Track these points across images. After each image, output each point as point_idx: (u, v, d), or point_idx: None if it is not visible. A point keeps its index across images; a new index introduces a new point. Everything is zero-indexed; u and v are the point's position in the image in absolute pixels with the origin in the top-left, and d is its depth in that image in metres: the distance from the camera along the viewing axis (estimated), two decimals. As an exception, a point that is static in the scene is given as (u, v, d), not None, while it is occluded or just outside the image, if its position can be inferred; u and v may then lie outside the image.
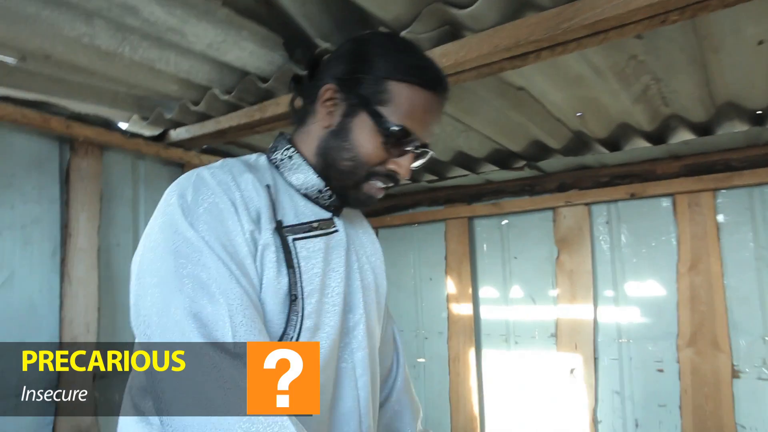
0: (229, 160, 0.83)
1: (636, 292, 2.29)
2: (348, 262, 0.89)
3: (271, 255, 0.76)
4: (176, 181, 0.79)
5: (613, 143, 2.19)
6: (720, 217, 2.11)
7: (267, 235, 0.76)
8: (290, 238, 0.80)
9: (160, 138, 2.13)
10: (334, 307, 0.84)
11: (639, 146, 2.13)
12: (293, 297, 0.77)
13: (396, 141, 0.81)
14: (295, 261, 0.78)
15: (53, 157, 1.85)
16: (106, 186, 1.98)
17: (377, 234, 3.16)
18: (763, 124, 1.92)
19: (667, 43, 1.36)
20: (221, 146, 2.35)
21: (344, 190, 0.86)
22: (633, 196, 2.26)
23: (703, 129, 1.99)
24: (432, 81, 0.82)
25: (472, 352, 2.67)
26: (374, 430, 0.93)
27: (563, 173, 2.45)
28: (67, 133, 1.84)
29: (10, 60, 1.53)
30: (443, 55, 1.27)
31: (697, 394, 2.12)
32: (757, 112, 1.84)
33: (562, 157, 2.27)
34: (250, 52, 1.50)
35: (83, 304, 1.79)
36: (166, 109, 1.97)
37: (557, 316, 2.45)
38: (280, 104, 1.69)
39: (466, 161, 2.50)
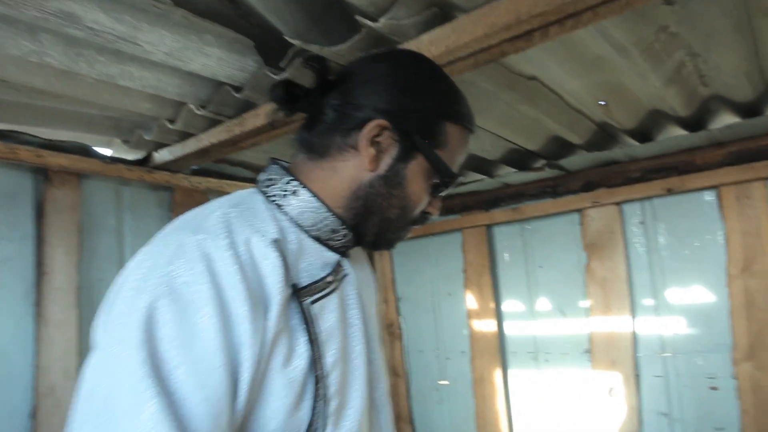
0: (223, 210, 0.66)
1: (680, 299, 2.02)
2: (363, 310, 0.78)
3: (285, 338, 0.63)
4: (145, 267, 0.60)
5: (643, 133, 1.94)
6: (775, 210, 1.84)
7: (281, 315, 0.62)
8: (307, 303, 0.67)
9: (144, 162, 1.98)
10: (360, 372, 0.73)
11: (674, 135, 1.88)
12: (317, 378, 0.65)
13: (444, 185, 0.75)
14: (313, 330, 0.66)
15: (25, 189, 1.71)
16: (87, 217, 1.84)
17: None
18: (822, 99, 1.65)
19: (705, 8, 1.12)
20: (212, 166, 2.19)
21: (379, 236, 0.77)
22: (670, 192, 2.00)
23: (749, 110, 1.73)
24: (473, 120, 0.77)
25: (498, 373, 2.43)
26: None
27: (588, 171, 2.21)
28: (40, 163, 1.70)
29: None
30: (432, 43, 1.06)
31: (762, 414, 1.84)
32: (815, 86, 1.57)
33: (586, 153, 2.03)
34: (217, 58, 1.32)
35: (61, 349, 1.64)
36: (145, 130, 1.82)
37: (591, 329, 2.20)
38: (260, 115, 1.51)
39: (480, 164, 2.28)
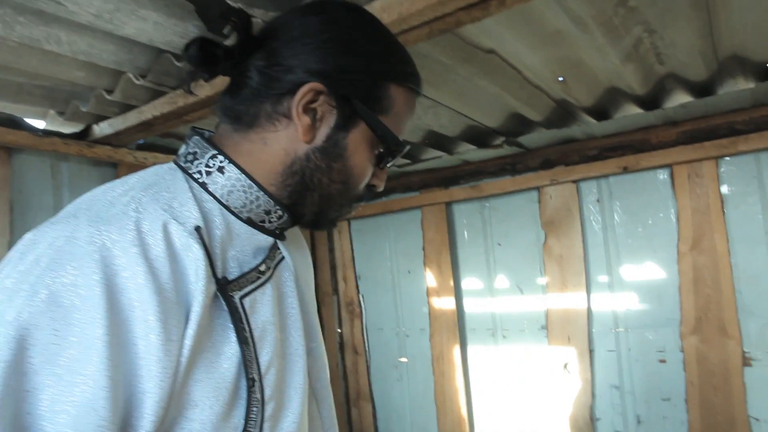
0: (133, 194, 0.56)
1: (633, 276, 2.06)
2: (301, 295, 0.70)
3: (208, 339, 0.55)
4: (27, 262, 0.50)
5: (601, 111, 1.94)
6: (724, 188, 1.88)
7: (202, 313, 0.53)
8: (237, 297, 0.59)
9: (83, 135, 1.85)
10: (299, 367, 0.66)
11: (631, 113, 1.88)
12: (251, 381, 0.57)
13: (390, 155, 0.67)
14: (246, 329, 0.58)
15: (-55, 165, 1.57)
16: (18, 194, 1.70)
17: (350, 226, 2.91)
18: (772, 78, 1.67)
19: (664, -18, 1.10)
20: (158, 140, 2.07)
21: (319, 215, 0.68)
22: (626, 170, 2.02)
23: (703, 89, 1.74)
24: (419, 81, 0.68)
25: (456, 349, 2.44)
26: None
27: (547, 149, 2.20)
28: (-40, 136, 1.56)
29: None
30: (384, 10, 1.00)
31: (705, 385, 1.91)
32: (767, 65, 1.59)
33: (544, 131, 2.01)
34: (153, 22, 1.21)
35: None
36: (81, 101, 1.69)
37: (547, 306, 2.23)
38: (206, 86, 1.41)
39: (440, 141, 2.24)
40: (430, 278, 2.53)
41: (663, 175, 2.00)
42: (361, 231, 2.85)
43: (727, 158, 1.86)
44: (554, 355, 2.21)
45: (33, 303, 0.47)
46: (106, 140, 1.84)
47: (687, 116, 1.86)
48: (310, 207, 0.66)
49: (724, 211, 1.87)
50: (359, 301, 2.86)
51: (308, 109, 0.60)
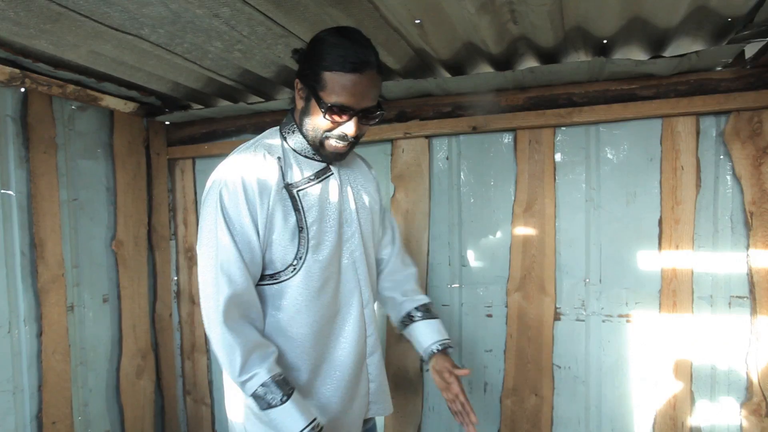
0: (258, 140, 1.31)
1: (472, 235, 2.14)
2: (342, 192, 1.35)
3: (280, 209, 1.21)
4: (219, 169, 1.26)
5: (457, 67, 1.93)
6: (558, 156, 2.00)
7: (276, 197, 1.21)
8: (295, 191, 1.25)
9: None
10: (332, 227, 1.30)
11: (484, 71, 1.89)
12: (300, 228, 1.23)
13: (335, 113, 1.18)
14: (299, 205, 1.24)
15: None
16: None
17: (194, 166, 2.63)
18: (608, 54, 1.77)
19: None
20: None
21: (315, 149, 1.28)
22: (475, 130, 2.05)
23: (550, 57, 1.79)
24: (351, 65, 1.13)
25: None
26: (372, 298, 1.42)
27: (404, 101, 2.15)
28: None
29: None
30: None
31: (521, 337, 2.07)
32: (604, 41, 1.67)
33: (401, 81, 1.95)
34: None
35: None
36: None
37: (391, 260, 2.22)
38: None
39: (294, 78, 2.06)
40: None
41: (508, 138, 2.07)
42: (208, 171, 2.58)
43: (564, 128, 1.97)
44: (393, 308, 2.23)
45: (221, 185, 1.21)
46: None
47: (534, 83, 1.92)
48: (310, 144, 1.29)
49: (555, 178, 2.00)
50: (195, 248, 2.63)
51: (298, 92, 1.26)
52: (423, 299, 1.54)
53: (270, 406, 1.15)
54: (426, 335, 1.46)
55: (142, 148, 2.55)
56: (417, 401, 2.23)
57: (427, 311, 1.51)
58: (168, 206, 2.66)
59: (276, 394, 1.16)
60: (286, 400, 1.16)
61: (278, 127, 1.32)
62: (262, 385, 1.16)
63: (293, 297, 1.25)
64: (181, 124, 2.61)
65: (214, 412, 2.66)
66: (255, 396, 1.16)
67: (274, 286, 1.26)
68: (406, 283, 1.56)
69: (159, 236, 2.62)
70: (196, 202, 2.64)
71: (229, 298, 1.16)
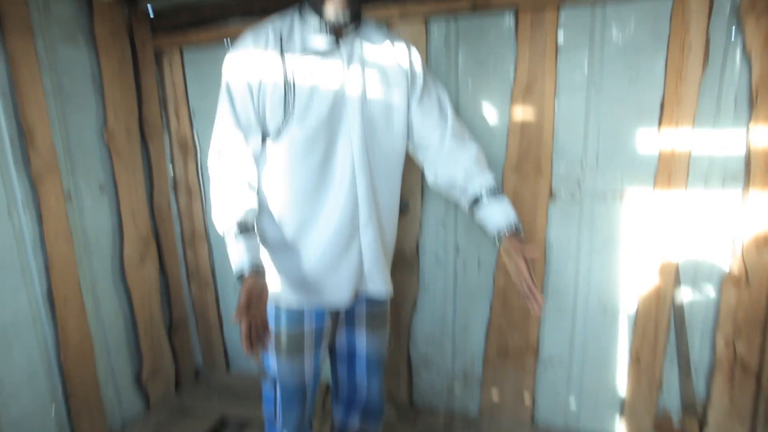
0: (274, 18, 1.44)
1: (471, 118, 2.14)
2: (347, 66, 1.42)
3: (273, 76, 1.36)
4: (244, 33, 1.42)
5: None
6: (560, 37, 1.95)
7: (273, 65, 1.36)
8: (288, 61, 1.37)
9: None
10: (325, 99, 1.39)
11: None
12: (286, 100, 1.36)
13: None
14: (290, 75, 1.36)
15: None
16: None
17: (182, 57, 2.51)
18: None
19: None
20: None
21: (320, 14, 1.36)
22: (475, 8, 1.97)
23: None
24: None
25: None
26: (367, 178, 1.46)
27: (401, -24, 2.04)
28: None
29: None
30: None
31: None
32: None
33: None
34: None
35: None
36: None
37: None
38: None
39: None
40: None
41: (509, 22, 2.00)
42: (197, 63, 2.50)
43: (568, 9, 1.91)
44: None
45: (229, 68, 1.40)
46: None
47: (540, -47, 1.82)
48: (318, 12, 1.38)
49: (556, 60, 1.97)
50: (193, 139, 2.60)
51: None
52: (483, 183, 1.51)
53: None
54: (492, 220, 1.46)
55: (126, 38, 2.42)
56: (413, 279, 2.36)
57: (492, 193, 1.49)
58: (158, 99, 2.58)
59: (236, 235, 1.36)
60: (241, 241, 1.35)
61: (299, 5, 1.43)
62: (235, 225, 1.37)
63: (277, 160, 1.42)
64: (166, 13, 2.45)
65: (218, 296, 2.80)
66: (225, 232, 1.38)
67: (266, 147, 1.45)
68: (467, 164, 1.52)
69: (151, 127, 2.57)
70: (187, 96, 2.56)
71: (226, 154, 1.40)
